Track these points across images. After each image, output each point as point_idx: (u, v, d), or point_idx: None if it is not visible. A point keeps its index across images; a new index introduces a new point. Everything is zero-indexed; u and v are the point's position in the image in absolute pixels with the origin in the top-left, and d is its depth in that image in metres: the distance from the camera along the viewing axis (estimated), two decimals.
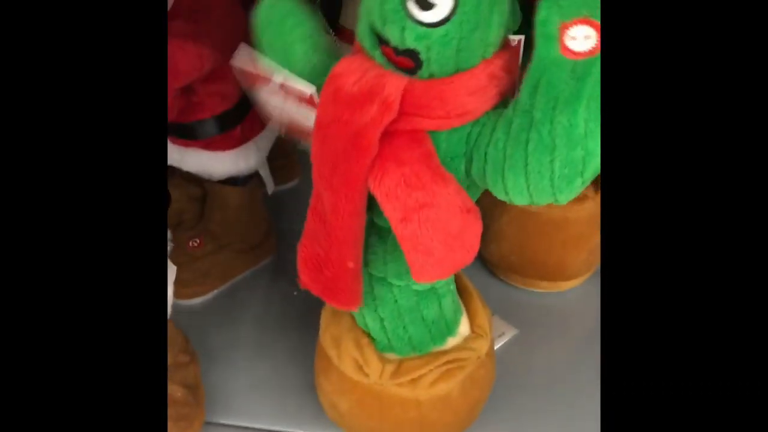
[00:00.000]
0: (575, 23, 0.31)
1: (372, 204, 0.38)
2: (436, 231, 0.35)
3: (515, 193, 0.35)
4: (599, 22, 0.31)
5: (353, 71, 0.35)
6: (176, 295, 0.56)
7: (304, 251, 0.42)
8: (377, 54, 0.35)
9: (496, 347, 0.57)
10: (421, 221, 0.35)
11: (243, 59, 0.40)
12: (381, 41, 0.35)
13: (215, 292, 0.64)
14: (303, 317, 0.60)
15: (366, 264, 0.43)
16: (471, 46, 0.34)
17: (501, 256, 0.62)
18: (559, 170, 0.33)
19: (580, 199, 0.58)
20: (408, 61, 0.34)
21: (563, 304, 0.63)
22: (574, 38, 0.32)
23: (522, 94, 0.34)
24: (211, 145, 0.57)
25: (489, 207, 0.60)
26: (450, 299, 0.46)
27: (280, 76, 0.39)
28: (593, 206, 0.58)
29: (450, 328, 0.47)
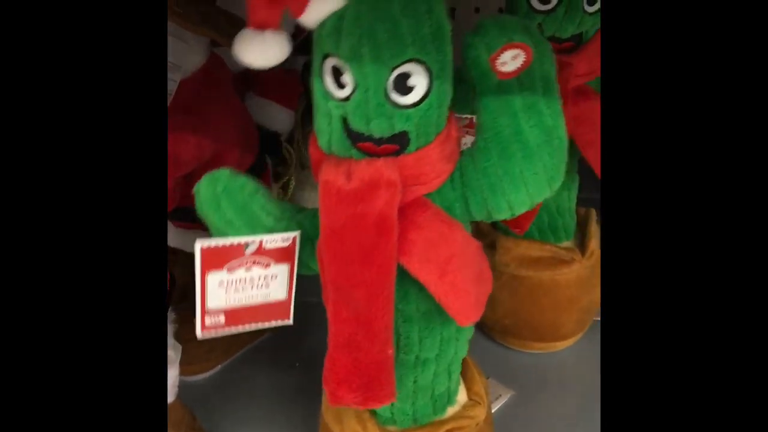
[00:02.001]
0: (502, 51, 0.37)
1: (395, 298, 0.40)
2: (468, 273, 0.40)
3: (518, 202, 0.40)
4: (522, 41, 0.37)
5: (341, 172, 0.38)
6: (182, 372, 0.57)
7: (337, 364, 0.41)
8: (354, 153, 0.38)
9: (493, 410, 0.58)
10: (455, 271, 0.39)
11: (206, 241, 0.41)
12: (358, 140, 0.38)
13: (219, 367, 0.65)
14: (305, 389, 0.62)
15: (396, 348, 0.44)
16: (444, 112, 0.39)
17: (495, 319, 0.64)
18: (549, 163, 0.39)
19: (568, 262, 0.61)
20: (391, 147, 0.38)
21: (558, 364, 0.65)
22: (504, 63, 0.37)
23: (486, 124, 0.39)
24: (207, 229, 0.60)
25: None
26: (457, 374, 0.49)
27: (256, 239, 0.41)
28: (581, 269, 0.61)
29: (451, 399, 0.49)
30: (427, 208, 0.40)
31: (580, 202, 0.64)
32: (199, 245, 0.40)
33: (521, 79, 0.37)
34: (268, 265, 0.41)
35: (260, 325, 0.44)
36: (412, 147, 0.38)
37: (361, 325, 0.40)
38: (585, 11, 0.51)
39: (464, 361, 0.52)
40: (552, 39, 0.53)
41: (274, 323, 0.44)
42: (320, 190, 0.38)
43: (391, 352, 0.41)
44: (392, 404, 0.47)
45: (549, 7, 0.52)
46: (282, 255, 0.41)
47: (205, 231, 0.61)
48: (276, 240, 0.41)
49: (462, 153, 0.41)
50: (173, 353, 0.52)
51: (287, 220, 0.42)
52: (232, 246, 0.40)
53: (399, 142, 0.38)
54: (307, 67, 0.74)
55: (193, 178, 0.58)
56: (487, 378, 0.56)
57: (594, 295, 0.63)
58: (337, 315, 0.40)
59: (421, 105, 0.37)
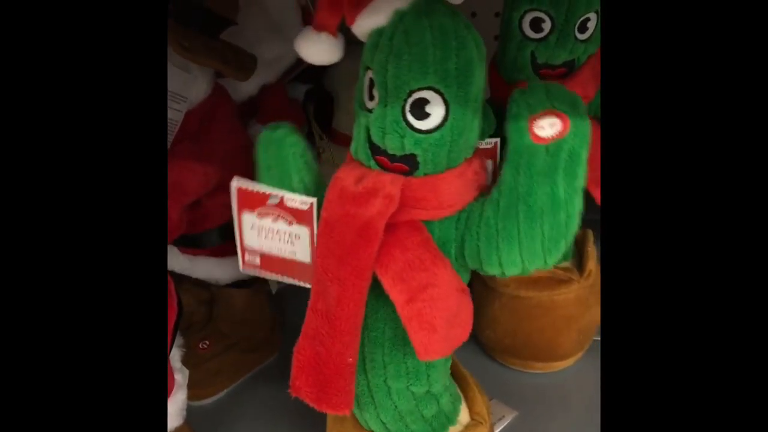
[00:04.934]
0: (542, 116, 0.38)
1: (366, 314, 0.41)
2: (439, 309, 0.39)
3: (509, 263, 0.40)
4: (563, 112, 0.37)
5: (354, 174, 0.41)
6: (189, 396, 0.58)
7: (302, 353, 0.43)
8: (372, 164, 0.41)
9: (497, 431, 0.59)
10: (426, 300, 0.39)
11: (241, 182, 0.45)
12: (376, 152, 0.40)
13: (226, 391, 0.66)
14: (310, 414, 0.61)
15: (365, 372, 0.46)
16: (459, 148, 0.40)
17: (496, 340, 0.65)
18: (548, 233, 0.39)
19: (567, 282, 0.62)
20: (403, 167, 0.40)
21: (559, 383, 0.65)
22: (542, 128, 0.38)
23: (505, 177, 0.39)
24: (217, 252, 0.61)
25: (482, 294, 0.64)
26: (447, 396, 0.49)
27: (279, 193, 0.44)
28: (579, 289, 0.62)
29: (450, 419, 0.49)
30: (419, 233, 0.41)
31: None
32: (235, 184, 0.45)
33: (549, 147, 0.38)
34: (291, 223, 0.44)
35: (290, 280, 0.46)
36: (420, 172, 0.40)
37: (328, 320, 0.41)
38: (576, 39, 0.53)
39: (465, 381, 0.53)
40: (545, 65, 0.54)
41: (301, 283, 0.46)
42: (330, 183, 0.41)
43: (351, 360, 0.42)
44: (388, 429, 0.48)
45: (541, 35, 0.53)
46: (301, 217, 0.43)
47: (210, 257, 0.62)
48: (295, 200, 0.43)
49: (476, 198, 0.41)
50: (181, 378, 0.53)
51: (314, 191, 0.44)
52: (259, 193, 0.44)
53: (409, 164, 0.40)
54: (309, 96, 0.77)
55: (199, 206, 0.60)
56: (491, 399, 0.57)
57: (592, 315, 0.63)
58: (314, 305, 0.43)
59: (434, 133, 0.39)
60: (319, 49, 0.41)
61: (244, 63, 0.55)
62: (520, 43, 0.54)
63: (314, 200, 0.43)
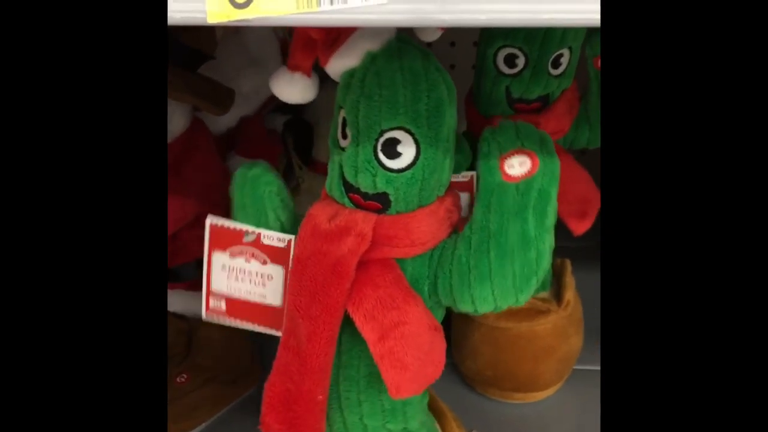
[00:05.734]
0: (512, 154, 0.38)
1: (339, 353, 0.41)
2: (410, 347, 0.39)
3: (481, 300, 0.40)
4: (532, 150, 0.38)
5: (327, 212, 0.41)
6: (168, 430, 0.58)
7: (272, 389, 0.43)
8: (346, 201, 0.41)
9: None
10: (397, 338, 0.39)
11: (215, 219, 0.45)
12: (349, 190, 0.40)
13: (204, 425, 0.65)
14: None
15: (341, 410, 0.46)
16: (430, 186, 0.40)
17: (477, 370, 0.65)
18: (519, 271, 0.39)
19: (545, 313, 0.62)
20: (376, 204, 0.40)
21: (540, 414, 0.65)
22: (512, 166, 0.39)
23: (476, 215, 0.40)
24: (195, 286, 0.61)
25: (462, 325, 0.64)
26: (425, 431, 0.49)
27: (256, 230, 0.44)
28: (558, 319, 0.62)
29: None
30: (390, 271, 0.41)
31: (555, 252, 0.65)
32: (209, 221, 0.44)
33: (519, 186, 0.39)
34: (265, 262, 0.43)
35: (256, 327, 0.45)
36: (392, 210, 0.40)
37: (299, 357, 0.41)
38: (550, 74, 0.54)
39: (443, 414, 0.52)
40: (520, 100, 0.55)
41: (267, 330, 0.45)
42: (303, 221, 0.41)
43: (321, 398, 0.42)
44: None
45: (515, 70, 0.54)
46: (277, 255, 0.43)
47: (188, 290, 0.62)
48: (273, 237, 0.43)
49: (448, 237, 0.42)
50: None
51: (291, 230, 0.44)
52: (234, 230, 0.44)
53: (381, 202, 0.40)
54: (288, 126, 0.77)
55: (176, 239, 0.59)
56: (470, 431, 0.56)
57: (572, 345, 0.64)
58: (285, 341, 0.42)
59: (405, 172, 0.39)
60: (293, 90, 0.42)
61: (221, 98, 0.55)
62: (495, 78, 0.55)
63: (292, 237, 0.43)
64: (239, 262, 0.44)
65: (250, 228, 0.44)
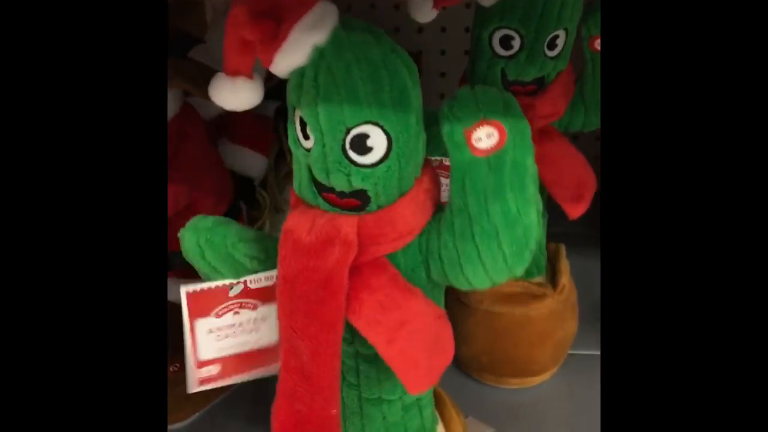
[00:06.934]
0: (476, 127, 0.36)
1: (354, 336, 0.40)
2: (419, 343, 0.38)
3: (477, 281, 0.39)
4: (497, 120, 0.36)
5: (304, 222, 0.38)
6: None
7: (281, 412, 0.41)
8: (320, 202, 0.39)
9: None
10: (405, 339, 0.38)
11: (191, 286, 0.41)
12: (322, 190, 0.38)
13: (196, 415, 0.65)
14: None
15: (358, 386, 0.45)
16: (408, 174, 0.38)
17: (472, 356, 0.65)
18: (509, 249, 0.37)
19: (541, 297, 0.62)
20: (354, 202, 0.38)
21: (535, 399, 0.65)
22: (479, 139, 0.36)
23: (453, 197, 0.38)
24: (187, 274, 0.60)
25: (457, 310, 0.64)
26: (430, 409, 0.49)
27: (240, 279, 0.41)
28: (553, 303, 0.62)
29: None
30: (384, 271, 0.39)
31: (550, 237, 0.65)
32: (184, 290, 0.40)
33: (490, 161, 0.36)
34: (255, 307, 0.41)
35: (252, 375, 0.43)
36: (372, 206, 0.38)
37: (305, 378, 0.39)
38: (546, 56, 0.54)
39: (442, 400, 0.52)
40: (515, 82, 0.55)
41: (265, 372, 0.43)
42: (281, 238, 0.39)
43: (335, 412, 0.40)
44: None
45: (511, 52, 0.54)
46: (268, 295, 0.41)
47: (180, 278, 0.61)
48: (260, 279, 0.41)
49: (432, 217, 0.40)
50: None
51: (272, 258, 0.41)
52: (217, 288, 0.40)
53: (360, 198, 0.38)
54: (280, 113, 0.76)
55: (168, 225, 0.58)
56: (466, 417, 0.56)
57: (567, 330, 0.64)
58: (286, 363, 0.40)
59: (380, 166, 0.37)
60: (238, 97, 0.38)
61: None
62: (490, 60, 0.54)
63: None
64: (227, 319, 0.41)
65: (233, 281, 0.41)
